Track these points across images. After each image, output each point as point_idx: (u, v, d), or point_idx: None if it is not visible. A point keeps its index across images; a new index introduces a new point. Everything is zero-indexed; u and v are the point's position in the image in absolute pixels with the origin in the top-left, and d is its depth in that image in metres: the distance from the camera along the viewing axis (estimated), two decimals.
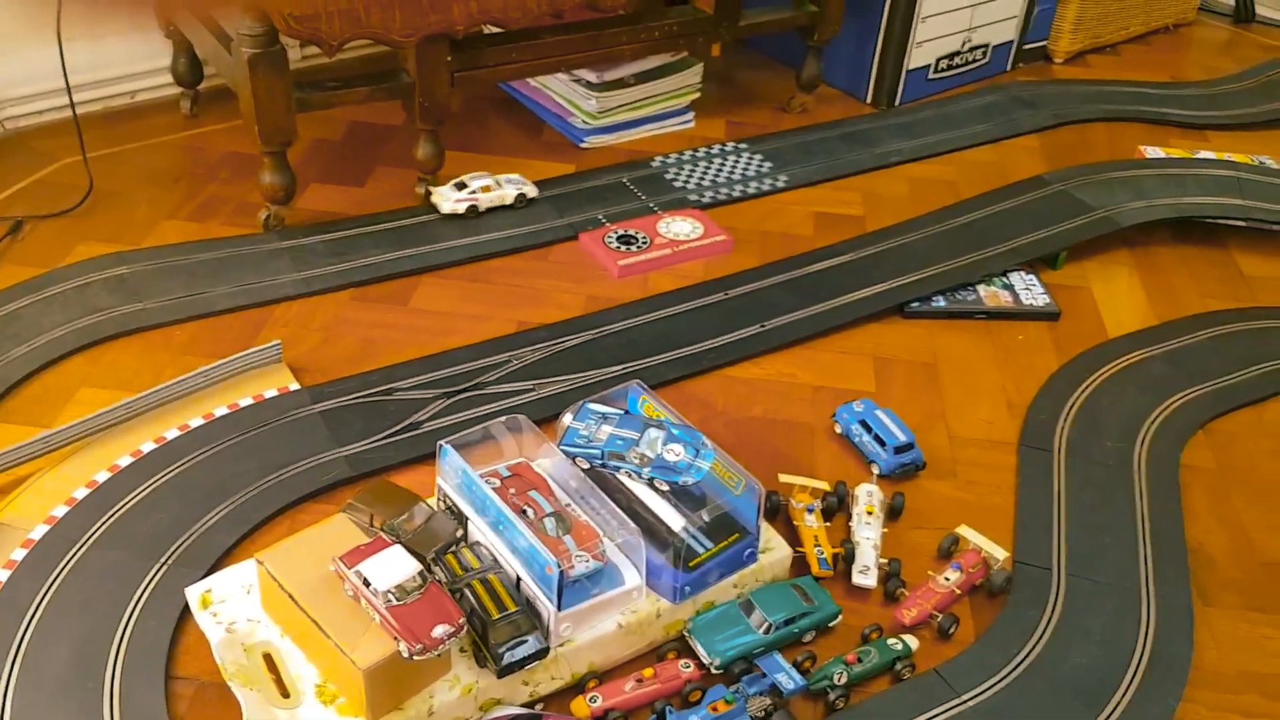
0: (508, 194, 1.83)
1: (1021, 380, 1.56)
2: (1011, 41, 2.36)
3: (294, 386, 1.43)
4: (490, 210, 1.83)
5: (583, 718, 1.05)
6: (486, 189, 1.81)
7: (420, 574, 0.98)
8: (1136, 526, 1.31)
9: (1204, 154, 2.06)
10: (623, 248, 1.78)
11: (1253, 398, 1.53)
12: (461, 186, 1.81)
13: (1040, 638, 1.17)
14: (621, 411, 1.15)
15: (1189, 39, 2.69)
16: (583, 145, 2.08)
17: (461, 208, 1.80)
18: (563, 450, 1.13)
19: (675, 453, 1.10)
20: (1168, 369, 1.57)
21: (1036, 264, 1.77)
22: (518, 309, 1.65)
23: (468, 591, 1.02)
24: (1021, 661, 1.14)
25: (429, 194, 1.83)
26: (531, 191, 1.85)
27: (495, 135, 2.12)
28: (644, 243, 1.79)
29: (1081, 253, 1.80)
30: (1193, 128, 2.22)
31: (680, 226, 1.84)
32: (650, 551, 1.09)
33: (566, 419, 1.16)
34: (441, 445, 1.12)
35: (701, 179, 2.00)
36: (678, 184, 1.98)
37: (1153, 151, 2.05)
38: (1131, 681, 1.13)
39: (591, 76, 2.04)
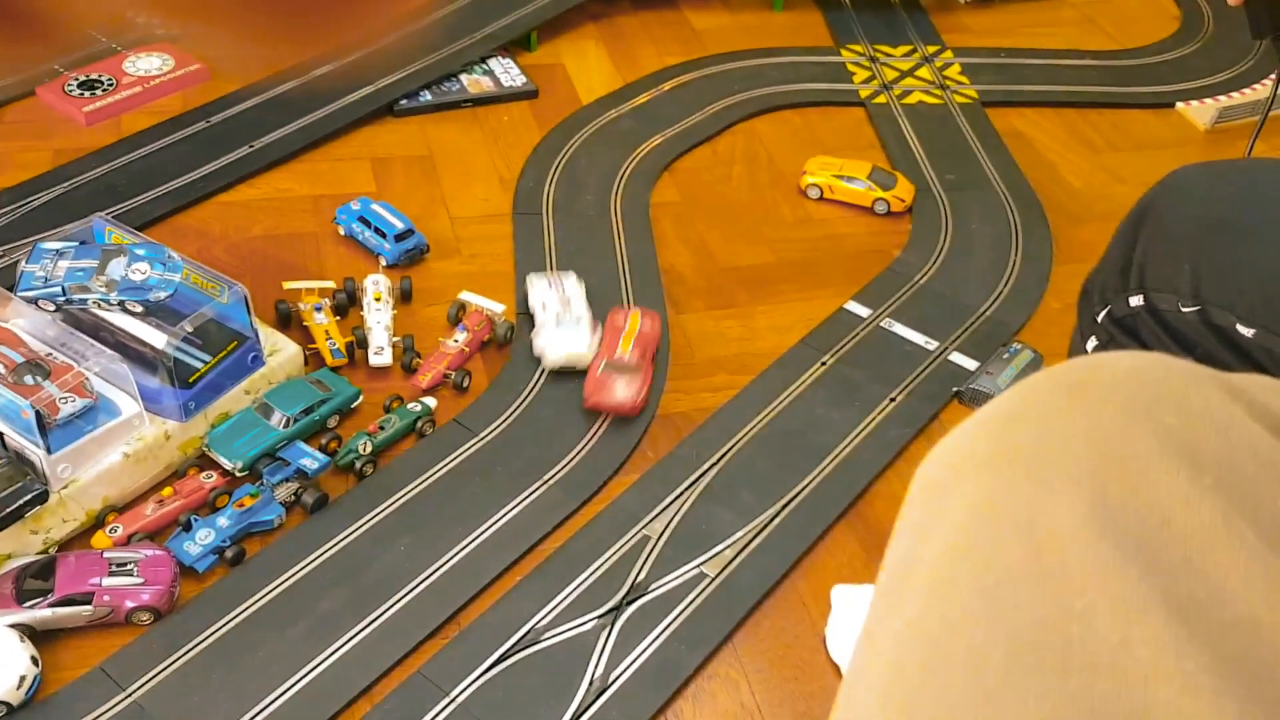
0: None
1: (510, 156, 1.66)
2: None
3: None
4: None
5: (105, 548, 1.05)
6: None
7: None
8: (617, 262, 1.48)
9: None
10: (86, 94, 1.64)
11: (706, 135, 1.75)
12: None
13: (541, 374, 1.31)
14: (77, 243, 1.10)
15: None
16: None
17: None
18: (21, 298, 1.08)
19: (142, 271, 1.08)
20: (634, 123, 1.74)
21: (512, 47, 1.86)
22: None
23: None
24: (527, 397, 1.28)
25: None
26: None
27: None
28: (110, 85, 1.67)
29: (552, 31, 1.92)
30: None
31: (149, 63, 1.73)
32: (143, 376, 1.08)
33: (21, 265, 1.10)
34: None
35: None
36: (140, 20, 1.84)
37: None
38: None
39: None
